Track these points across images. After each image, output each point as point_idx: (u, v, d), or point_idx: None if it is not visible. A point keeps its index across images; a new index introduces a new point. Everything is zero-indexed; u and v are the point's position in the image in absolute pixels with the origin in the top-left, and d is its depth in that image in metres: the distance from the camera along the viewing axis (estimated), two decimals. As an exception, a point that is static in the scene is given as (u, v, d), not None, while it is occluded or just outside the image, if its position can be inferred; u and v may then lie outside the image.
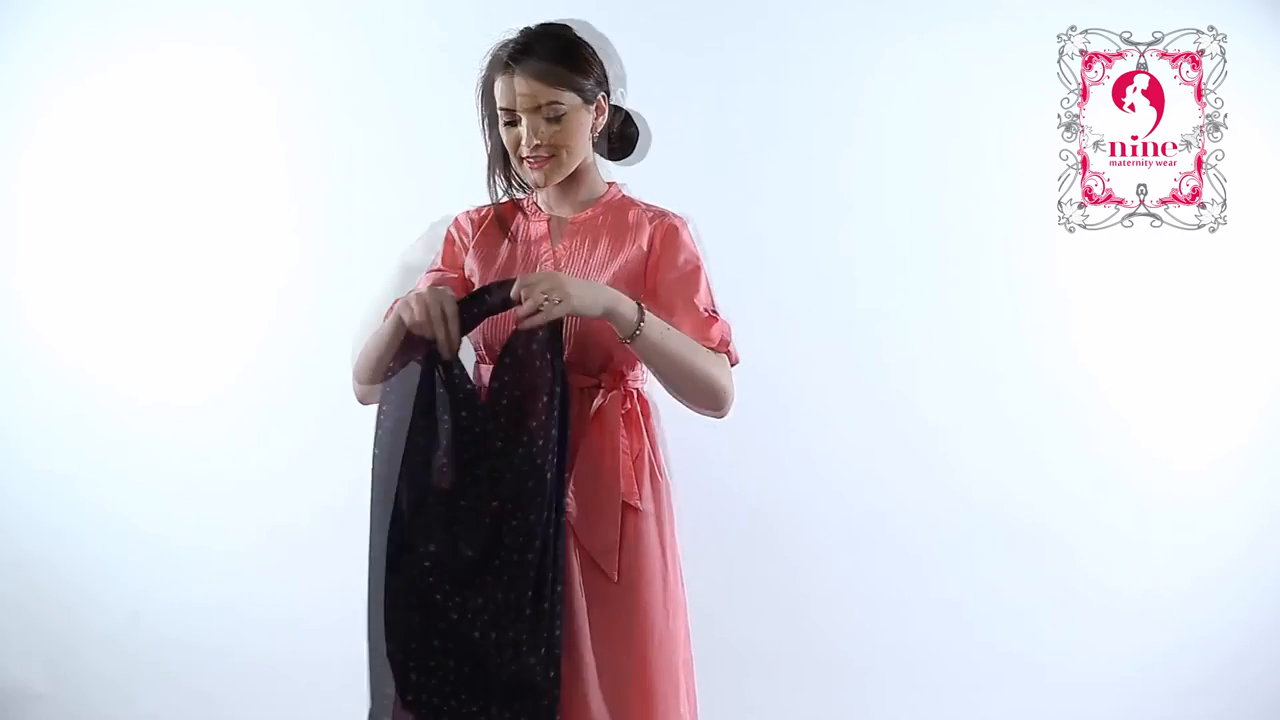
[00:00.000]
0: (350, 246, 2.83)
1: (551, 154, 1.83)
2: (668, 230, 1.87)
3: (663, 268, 1.85)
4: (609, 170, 2.07)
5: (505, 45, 1.84)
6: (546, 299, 1.64)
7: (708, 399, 1.80)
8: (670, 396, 1.85)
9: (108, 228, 2.91)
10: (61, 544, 2.93)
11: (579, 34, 1.90)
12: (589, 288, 1.70)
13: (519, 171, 1.93)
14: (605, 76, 1.90)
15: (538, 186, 1.89)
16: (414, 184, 2.77)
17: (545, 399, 1.71)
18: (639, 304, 1.73)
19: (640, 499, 1.83)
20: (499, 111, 1.84)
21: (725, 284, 1.92)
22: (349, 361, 1.98)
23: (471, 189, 2.04)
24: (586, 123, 1.86)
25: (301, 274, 2.87)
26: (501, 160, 1.93)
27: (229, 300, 2.89)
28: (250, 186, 2.88)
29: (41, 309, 2.94)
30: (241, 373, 2.89)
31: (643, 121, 2.04)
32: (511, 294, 1.70)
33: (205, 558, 2.88)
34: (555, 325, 1.72)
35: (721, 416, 1.84)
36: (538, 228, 1.93)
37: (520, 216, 1.96)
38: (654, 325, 1.73)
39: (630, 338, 1.72)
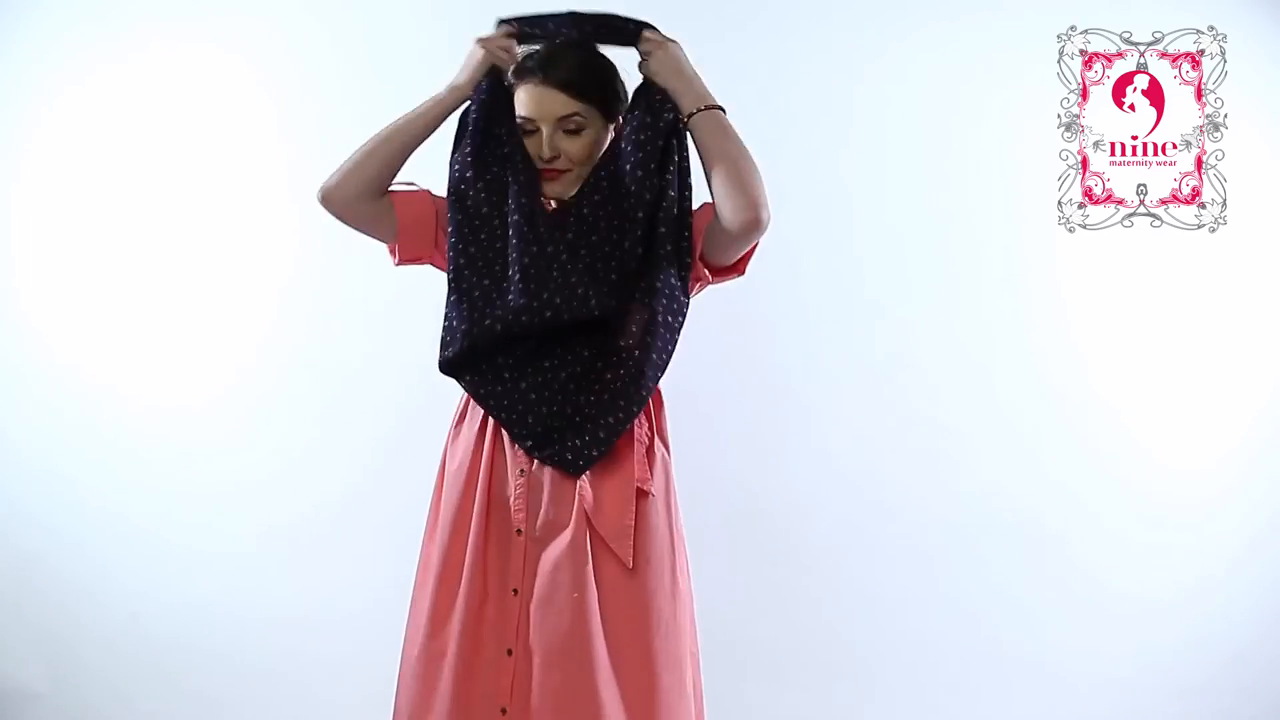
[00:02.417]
0: (350, 247, 2.82)
1: (567, 168, 1.82)
2: None
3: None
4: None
5: (531, 55, 1.83)
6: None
7: (752, 194, 1.73)
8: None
9: (107, 228, 2.91)
10: (61, 544, 2.93)
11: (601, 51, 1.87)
12: (681, 62, 1.82)
13: None
14: (625, 97, 1.87)
15: (549, 198, 1.87)
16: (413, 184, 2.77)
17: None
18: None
19: (651, 483, 1.82)
20: (518, 120, 1.82)
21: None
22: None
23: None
24: (604, 141, 1.84)
25: (301, 274, 2.87)
26: None
27: (229, 300, 2.90)
28: (250, 187, 2.88)
29: (41, 309, 2.94)
30: (241, 373, 2.89)
31: None
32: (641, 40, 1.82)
33: (205, 558, 2.88)
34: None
35: (759, 229, 1.76)
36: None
37: None
38: (724, 116, 1.80)
39: (695, 112, 1.78)
